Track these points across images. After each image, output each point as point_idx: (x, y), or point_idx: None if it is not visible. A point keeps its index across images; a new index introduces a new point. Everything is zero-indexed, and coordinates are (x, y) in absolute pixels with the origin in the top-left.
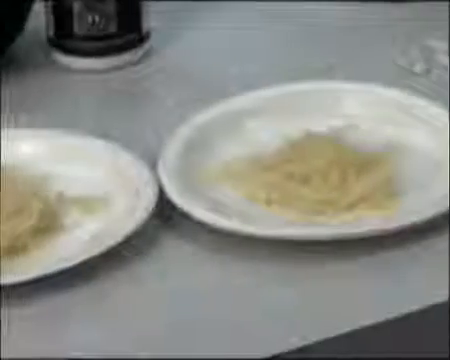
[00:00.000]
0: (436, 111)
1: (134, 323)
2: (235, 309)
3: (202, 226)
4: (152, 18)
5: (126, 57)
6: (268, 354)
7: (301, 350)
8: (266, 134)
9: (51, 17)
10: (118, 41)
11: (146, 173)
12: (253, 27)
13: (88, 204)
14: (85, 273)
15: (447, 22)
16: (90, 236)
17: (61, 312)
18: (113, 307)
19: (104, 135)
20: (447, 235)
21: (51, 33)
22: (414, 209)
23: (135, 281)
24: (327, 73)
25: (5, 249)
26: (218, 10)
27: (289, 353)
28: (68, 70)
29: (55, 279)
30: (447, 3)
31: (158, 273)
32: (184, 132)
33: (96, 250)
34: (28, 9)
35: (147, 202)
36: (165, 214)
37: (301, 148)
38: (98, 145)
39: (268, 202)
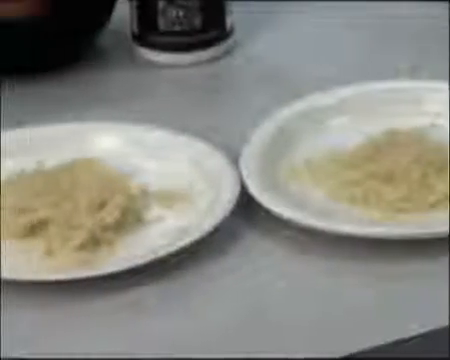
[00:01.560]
0: None
1: (213, 319)
2: (315, 308)
3: (283, 223)
4: (237, 15)
5: (209, 53)
6: (348, 353)
7: (381, 349)
8: (349, 132)
9: (135, 12)
10: (202, 36)
11: (228, 169)
12: (336, 27)
13: (170, 199)
14: (166, 268)
15: None
16: (172, 231)
17: (143, 305)
18: (193, 302)
19: (186, 130)
20: None
21: (135, 28)
22: None
23: (215, 277)
24: (411, 73)
25: (87, 242)
26: (302, 10)
27: (368, 352)
28: (151, 65)
29: (139, 274)
30: None
31: (238, 270)
32: (266, 128)
33: (177, 245)
34: (112, 4)
35: (228, 198)
36: (246, 211)
37: (384, 146)
38: (181, 140)
39: (351, 200)
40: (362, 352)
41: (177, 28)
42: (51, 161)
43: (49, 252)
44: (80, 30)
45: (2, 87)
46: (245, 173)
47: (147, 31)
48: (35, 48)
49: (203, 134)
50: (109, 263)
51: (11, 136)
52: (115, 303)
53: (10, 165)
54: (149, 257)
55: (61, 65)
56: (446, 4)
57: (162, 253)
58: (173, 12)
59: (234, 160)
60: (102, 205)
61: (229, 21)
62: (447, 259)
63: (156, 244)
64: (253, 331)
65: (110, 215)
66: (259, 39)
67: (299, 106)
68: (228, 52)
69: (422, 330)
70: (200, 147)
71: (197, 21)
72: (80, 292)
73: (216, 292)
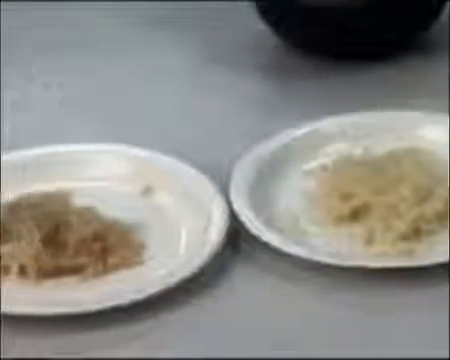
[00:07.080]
0: None
1: None
2: None
3: None
4: None
5: None
6: None
7: None
8: None
9: None
10: None
11: None
12: None
13: None
14: None
15: None
16: None
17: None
18: None
19: None
20: None
21: None
22: None
23: None
24: None
25: (409, 232)
26: None
27: None
28: None
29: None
30: None
31: None
32: None
33: None
34: None
35: None
36: None
37: None
38: None
39: None
40: None
41: None
42: (377, 148)
43: (370, 239)
44: (410, 20)
45: (329, 72)
46: None
47: None
48: (373, 35)
49: None
50: (429, 255)
51: (337, 121)
52: (432, 296)
53: (339, 150)
54: None
55: (392, 53)
56: None
57: None
58: None
59: None
60: (426, 196)
61: None
62: None
63: None
64: None
65: (433, 206)
66: None
67: None
68: None
69: None
70: None
71: None
72: (398, 282)
73: None
